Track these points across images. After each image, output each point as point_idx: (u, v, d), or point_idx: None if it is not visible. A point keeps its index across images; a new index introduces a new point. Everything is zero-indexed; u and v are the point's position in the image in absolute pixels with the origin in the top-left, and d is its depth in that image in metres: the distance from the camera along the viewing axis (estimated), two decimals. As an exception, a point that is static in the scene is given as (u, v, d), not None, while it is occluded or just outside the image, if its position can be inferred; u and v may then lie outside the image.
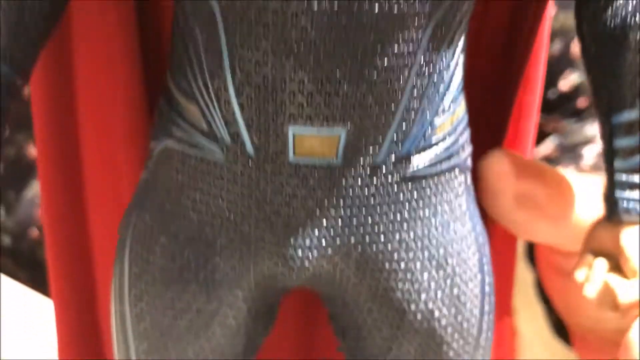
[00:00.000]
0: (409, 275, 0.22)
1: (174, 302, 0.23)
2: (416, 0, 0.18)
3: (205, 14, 0.19)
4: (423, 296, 0.22)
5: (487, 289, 0.24)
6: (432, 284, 0.22)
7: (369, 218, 0.21)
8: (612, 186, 0.23)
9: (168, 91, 0.22)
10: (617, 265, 0.23)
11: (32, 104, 0.28)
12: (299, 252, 0.22)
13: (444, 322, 0.23)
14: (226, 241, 0.22)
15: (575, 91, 0.64)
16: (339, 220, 0.21)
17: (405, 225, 0.22)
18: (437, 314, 0.23)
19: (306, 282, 0.23)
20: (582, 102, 0.61)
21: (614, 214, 0.23)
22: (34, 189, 0.51)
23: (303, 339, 0.29)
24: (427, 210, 0.22)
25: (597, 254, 0.24)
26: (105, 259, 0.30)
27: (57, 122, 0.28)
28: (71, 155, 0.28)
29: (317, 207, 0.21)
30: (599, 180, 0.28)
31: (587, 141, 0.59)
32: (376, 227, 0.21)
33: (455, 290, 0.23)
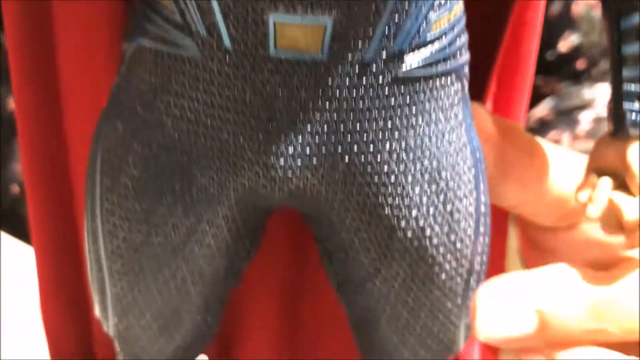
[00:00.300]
0: (399, 190, 0.21)
1: (148, 216, 0.21)
2: None
3: None
4: (414, 212, 0.21)
5: (482, 208, 0.23)
6: (424, 199, 0.21)
7: (357, 124, 0.20)
8: (619, 98, 0.22)
9: None
10: (622, 184, 0.22)
11: (7, 40, 0.26)
12: (281, 160, 0.20)
13: (435, 240, 0.22)
14: (203, 149, 0.20)
15: (575, 52, 0.62)
16: (325, 125, 0.20)
17: (396, 133, 0.20)
18: (428, 231, 0.21)
19: (290, 199, 0.22)
20: (581, 63, 0.60)
21: (621, 127, 0.22)
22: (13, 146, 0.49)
23: (291, 268, 0.28)
24: (420, 118, 0.20)
25: (601, 173, 0.23)
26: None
27: (32, 39, 0.26)
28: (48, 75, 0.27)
29: (301, 110, 0.19)
30: (580, 158, 0.27)
31: (585, 105, 0.58)
32: (365, 135, 0.20)
33: (449, 207, 0.21)
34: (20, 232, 0.55)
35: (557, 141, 0.57)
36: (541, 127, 0.59)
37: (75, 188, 0.29)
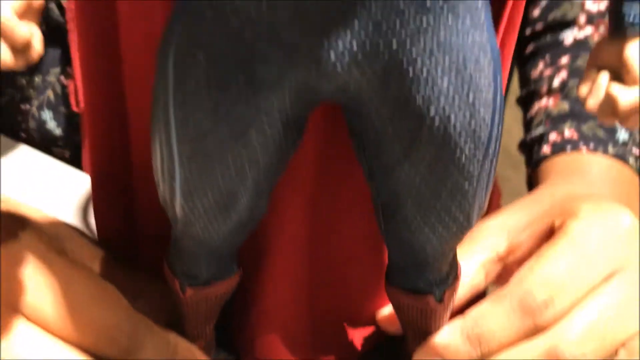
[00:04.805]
0: (430, 81, 0.24)
1: (215, 106, 0.25)
2: None
3: None
4: (442, 100, 0.25)
5: (498, 100, 0.26)
6: (451, 89, 0.25)
7: (397, 22, 0.23)
8: (618, 1, 0.25)
9: None
10: (618, 78, 0.26)
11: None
12: (332, 55, 0.24)
13: (458, 127, 0.25)
14: (264, 45, 0.24)
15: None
16: (370, 24, 0.23)
17: (429, 31, 0.23)
18: (452, 118, 0.25)
19: (336, 92, 0.25)
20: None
21: (619, 28, 0.25)
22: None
23: (323, 159, 0.32)
24: (449, 17, 0.23)
25: (600, 69, 0.26)
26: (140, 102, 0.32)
27: None
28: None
29: (349, 11, 0.23)
30: None
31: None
32: (403, 32, 0.23)
33: (471, 96, 0.25)
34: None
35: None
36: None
37: (127, 87, 0.32)
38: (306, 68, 0.24)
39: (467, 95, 0.25)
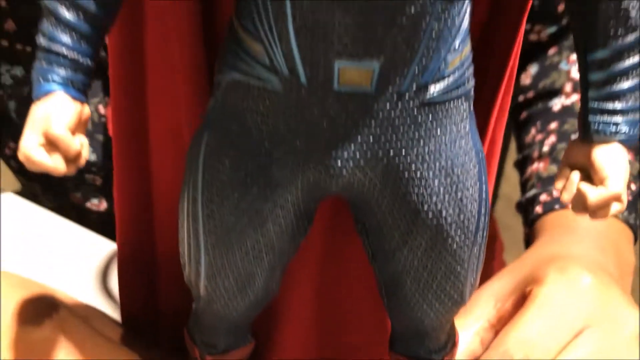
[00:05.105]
0: (423, 182, 0.28)
1: (239, 203, 0.29)
2: None
3: None
4: (434, 198, 0.29)
5: (483, 195, 0.30)
6: (441, 189, 0.28)
7: (394, 135, 0.27)
8: (586, 112, 0.29)
9: (234, 31, 0.27)
10: (588, 176, 0.30)
11: (109, 49, 0.33)
12: (339, 162, 0.27)
13: (449, 219, 0.29)
14: (281, 153, 0.28)
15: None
16: (370, 137, 0.27)
17: (421, 141, 0.27)
18: (444, 213, 0.29)
19: (342, 189, 0.29)
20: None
21: (586, 135, 0.29)
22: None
23: (329, 240, 0.36)
24: (438, 130, 0.28)
25: (572, 167, 0.30)
26: (164, 185, 0.36)
27: (128, 63, 0.33)
28: (138, 87, 0.34)
29: (354, 127, 0.27)
30: None
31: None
32: (399, 143, 0.27)
33: (459, 194, 0.29)
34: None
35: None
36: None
37: (154, 180, 0.36)
38: (316, 172, 0.28)
39: (456, 194, 0.29)
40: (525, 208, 0.57)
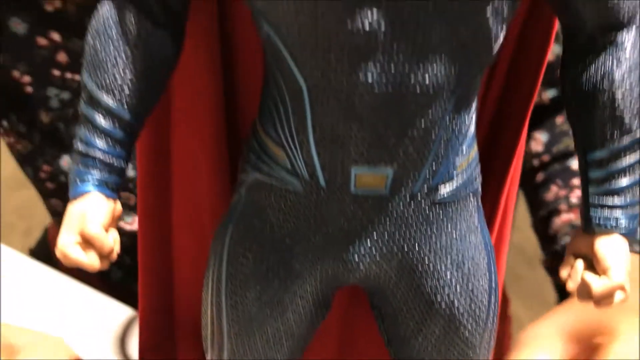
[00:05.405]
0: (436, 275, 0.30)
1: (261, 295, 0.30)
2: (444, 82, 0.26)
3: (296, 90, 0.27)
4: (446, 290, 0.30)
5: (493, 285, 0.32)
6: (453, 280, 0.30)
7: (407, 232, 0.29)
8: (587, 206, 0.30)
9: (257, 135, 0.30)
10: (592, 265, 0.31)
11: (137, 148, 0.35)
12: (355, 257, 0.29)
13: (461, 309, 0.31)
14: (301, 249, 0.30)
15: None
16: (385, 234, 0.29)
17: (433, 237, 0.29)
18: (456, 303, 0.30)
19: (358, 280, 0.31)
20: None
21: (588, 227, 0.30)
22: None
23: (347, 324, 0.37)
24: (449, 226, 0.29)
25: (577, 256, 0.31)
26: (185, 274, 0.38)
27: (154, 161, 0.35)
28: (165, 181, 0.36)
29: (370, 225, 0.29)
30: None
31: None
32: (412, 239, 0.29)
33: (470, 285, 0.30)
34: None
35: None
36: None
37: (175, 268, 0.38)
38: (334, 265, 0.30)
39: (467, 285, 0.30)
40: (561, 257, 0.57)
